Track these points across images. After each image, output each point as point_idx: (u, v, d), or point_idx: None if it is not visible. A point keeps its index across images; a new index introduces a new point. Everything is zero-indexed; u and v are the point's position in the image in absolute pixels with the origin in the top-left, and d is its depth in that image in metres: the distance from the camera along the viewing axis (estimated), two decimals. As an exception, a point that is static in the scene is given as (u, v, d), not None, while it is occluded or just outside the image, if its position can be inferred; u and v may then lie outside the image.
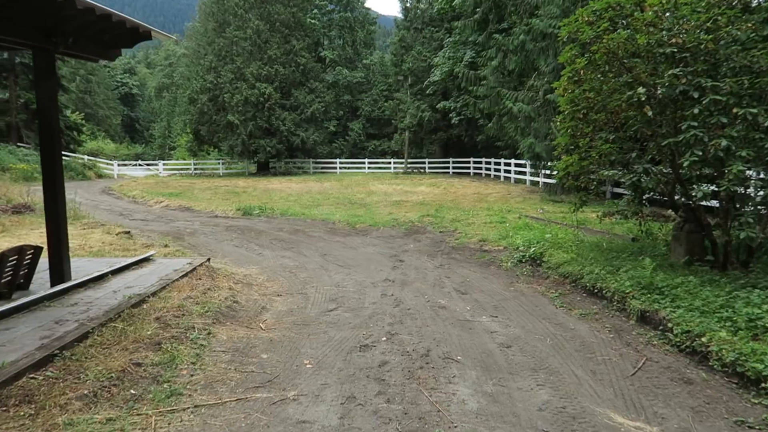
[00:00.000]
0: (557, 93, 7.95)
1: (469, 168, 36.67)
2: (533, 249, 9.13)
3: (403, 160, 40.25)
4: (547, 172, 21.26)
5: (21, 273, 6.32)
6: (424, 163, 40.02)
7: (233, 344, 5.03)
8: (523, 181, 26.65)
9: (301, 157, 41.68)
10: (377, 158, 44.13)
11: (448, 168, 38.58)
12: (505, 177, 30.07)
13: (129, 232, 12.68)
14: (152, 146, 79.24)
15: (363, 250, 11.12)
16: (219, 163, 44.80)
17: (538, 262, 8.71)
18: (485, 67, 23.89)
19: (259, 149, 38.71)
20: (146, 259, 8.29)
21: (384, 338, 5.31)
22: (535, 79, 19.71)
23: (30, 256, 6.37)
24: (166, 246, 11.48)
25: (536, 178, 24.05)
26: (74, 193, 27.33)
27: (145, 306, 5.81)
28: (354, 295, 7.26)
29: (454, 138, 37.72)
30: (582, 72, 7.30)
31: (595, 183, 8.45)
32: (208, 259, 8.51)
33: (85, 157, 45.76)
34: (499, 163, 30.91)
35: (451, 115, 34.50)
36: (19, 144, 43.13)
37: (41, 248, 6.58)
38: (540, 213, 14.87)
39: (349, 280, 8.30)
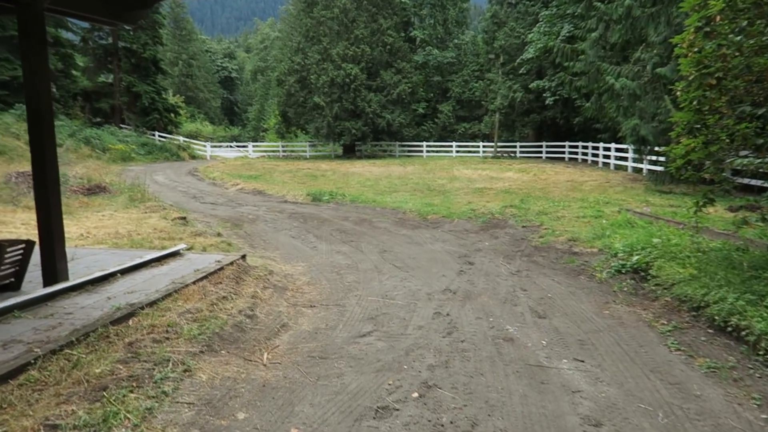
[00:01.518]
0: (678, 51, 5.96)
1: (563, 153, 33.85)
2: (636, 257, 7.21)
3: (492, 144, 38.00)
4: (653, 158, 18.62)
5: (4, 272, 5.41)
6: (515, 147, 37.56)
7: (209, 391, 3.72)
8: (624, 168, 23.86)
9: (387, 139, 40.44)
10: (466, 141, 42.07)
11: (540, 152, 35.92)
12: (603, 163, 27.24)
13: (185, 218, 11.92)
14: (247, 128, 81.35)
15: (429, 246, 9.60)
16: (306, 146, 44.58)
17: (642, 275, 6.81)
18: (584, 40, 21.34)
19: (345, 131, 37.90)
20: (174, 254, 7.27)
21: (415, 394, 3.78)
22: (642, 52, 17.10)
23: (15, 252, 5.44)
24: (218, 235, 10.58)
25: (640, 165, 21.33)
26: (160, 174, 27.74)
27: (129, 322, 4.68)
28: (400, 313, 5.79)
29: (548, 120, 34.94)
30: (717, 20, 5.31)
31: (723, 174, 6.45)
32: (243, 256, 7.36)
33: (181, 138, 47.08)
34: (597, 148, 28.06)
35: (545, 95, 31.85)
36: (121, 125, 45.07)
37: (33, 242, 5.64)
38: (644, 209, 12.63)
39: (401, 288, 6.84)
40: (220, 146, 50.66)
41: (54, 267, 5.53)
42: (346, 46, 37.42)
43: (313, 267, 8.11)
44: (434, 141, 43.16)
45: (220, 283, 6.11)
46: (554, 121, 34.51)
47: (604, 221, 10.76)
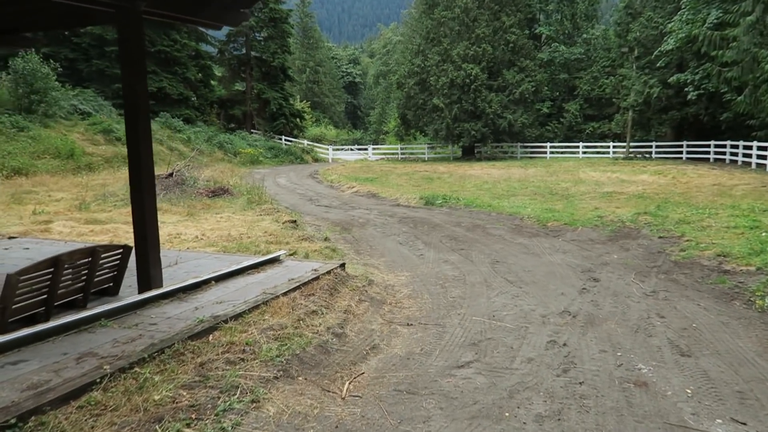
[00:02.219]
0: None
1: (708, 153, 30.41)
2: (811, 280, 5.85)
3: (624, 144, 35.18)
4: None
5: (102, 277, 5.38)
6: (650, 147, 34.45)
7: (273, 430, 3.25)
8: (785, 170, 20.86)
9: (508, 141, 38.93)
10: (595, 142, 39.40)
11: (680, 153, 32.62)
12: (758, 164, 24.03)
13: (295, 221, 11.88)
14: (369, 132, 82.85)
15: (548, 258, 8.64)
16: (425, 148, 44.27)
17: (820, 303, 5.48)
18: (735, 25, 18.84)
19: (464, 133, 37.02)
20: (272, 261, 7.02)
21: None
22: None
23: (112, 257, 5.39)
24: (325, 239, 10.38)
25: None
26: (283, 176, 28.67)
27: (210, 337, 4.38)
28: (507, 339, 5.02)
29: (690, 117, 31.57)
30: None
31: None
32: (343, 265, 6.95)
33: (305, 142, 48.73)
34: (749, 147, 24.83)
35: (687, 89, 28.77)
36: (252, 131, 47.58)
37: (130, 248, 5.58)
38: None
39: (512, 306, 6.05)
40: (341, 149, 51.81)
41: (148, 273, 5.44)
42: (466, 46, 36.54)
43: (417, 277, 7.53)
44: (559, 142, 40.93)
45: (313, 294, 5.71)
46: (697, 118, 31.14)
47: (764, 233, 9.12)
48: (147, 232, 5.42)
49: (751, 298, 6.12)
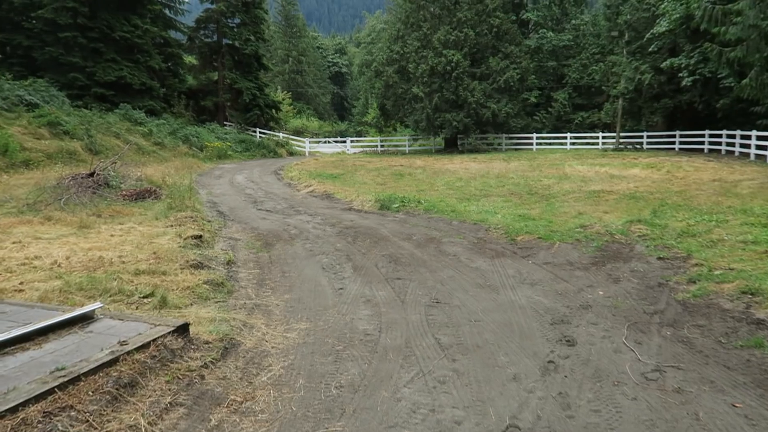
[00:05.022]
0: None
1: (702, 143, 28.19)
2: None
3: (614, 135, 32.92)
4: None
5: None
6: (641, 137, 32.22)
7: None
8: (794, 163, 18.67)
9: (493, 131, 36.55)
10: (584, 132, 37.12)
11: (673, 143, 30.41)
12: (757, 155, 21.85)
13: (201, 237, 9.47)
14: (353, 123, 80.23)
15: (508, 296, 6.30)
16: (406, 140, 41.87)
17: None
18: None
19: (445, 124, 34.63)
20: (77, 320, 4.59)
21: None
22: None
23: None
24: (228, 263, 8.05)
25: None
26: (245, 173, 26.16)
27: None
28: None
29: (684, 105, 29.26)
30: None
31: None
32: (184, 326, 4.57)
33: (281, 134, 46.18)
34: (747, 137, 22.65)
35: (681, 75, 26.45)
36: (225, 123, 44.94)
37: None
38: None
39: (426, 413, 3.71)
40: (319, 142, 49.24)
41: None
42: (447, 31, 34.05)
43: (312, 335, 5.17)
44: (547, 132, 38.64)
45: (80, 402, 3.32)
46: (691, 105, 28.84)
47: (799, 256, 6.84)
48: None
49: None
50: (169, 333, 4.32)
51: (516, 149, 36.16)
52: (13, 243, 9.09)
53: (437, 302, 6.08)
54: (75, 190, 14.28)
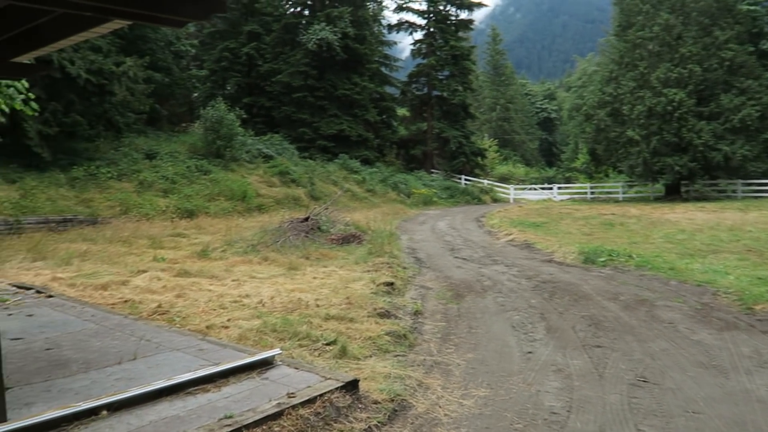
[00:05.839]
0: None
1: None
2: None
3: None
4: None
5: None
6: None
7: None
8: None
9: (724, 177, 32.13)
10: None
11: None
12: None
13: (392, 284, 9.54)
14: (561, 169, 77.32)
15: (741, 383, 5.07)
16: (620, 186, 38.88)
17: None
18: None
19: (665, 169, 31.42)
20: (256, 365, 4.71)
21: None
22: None
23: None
24: (415, 313, 7.94)
25: None
26: (447, 219, 26.42)
27: None
28: None
29: None
30: None
31: None
32: (354, 384, 4.43)
33: (485, 181, 46.31)
34: None
35: None
36: (432, 171, 46.56)
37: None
38: None
39: None
40: (524, 189, 48.14)
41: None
42: (668, 69, 31.20)
43: (488, 408, 4.67)
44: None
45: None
46: None
47: None
48: None
49: None
50: (337, 388, 4.22)
51: (756, 197, 31.18)
52: (233, 281, 10.13)
53: (644, 381, 5.14)
54: (291, 233, 15.63)
